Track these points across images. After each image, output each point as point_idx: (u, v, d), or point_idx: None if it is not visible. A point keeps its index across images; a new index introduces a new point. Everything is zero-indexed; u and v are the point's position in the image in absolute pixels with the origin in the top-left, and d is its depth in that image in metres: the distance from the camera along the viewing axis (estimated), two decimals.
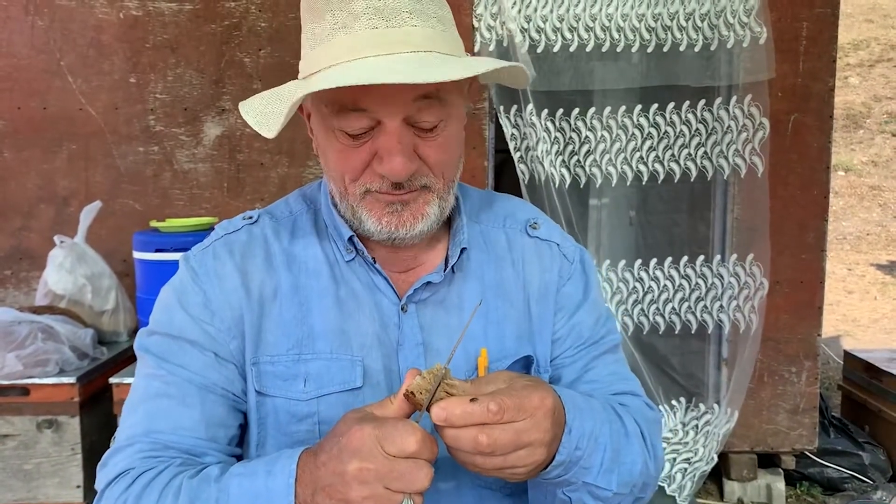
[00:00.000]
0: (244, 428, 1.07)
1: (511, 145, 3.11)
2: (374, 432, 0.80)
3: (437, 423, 0.81)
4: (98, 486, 0.98)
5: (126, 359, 2.84)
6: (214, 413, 1.01)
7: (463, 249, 1.07)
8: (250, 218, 1.11)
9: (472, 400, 0.80)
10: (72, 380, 2.53)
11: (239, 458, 1.06)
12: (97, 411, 2.67)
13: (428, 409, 0.82)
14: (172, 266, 1.11)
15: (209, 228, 2.87)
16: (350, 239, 1.04)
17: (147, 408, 1.00)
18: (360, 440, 0.80)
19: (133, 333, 3.01)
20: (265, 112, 0.96)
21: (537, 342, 1.11)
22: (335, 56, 0.91)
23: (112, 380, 2.58)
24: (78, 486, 2.55)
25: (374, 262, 1.05)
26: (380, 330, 1.05)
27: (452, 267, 1.07)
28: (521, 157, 3.14)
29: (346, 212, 1.02)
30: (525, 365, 1.10)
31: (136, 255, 2.89)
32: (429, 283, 1.06)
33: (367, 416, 0.84)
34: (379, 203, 0.98)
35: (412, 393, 0.83)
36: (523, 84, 1.09)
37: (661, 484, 3.11)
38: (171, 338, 1.02)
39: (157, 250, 2.80)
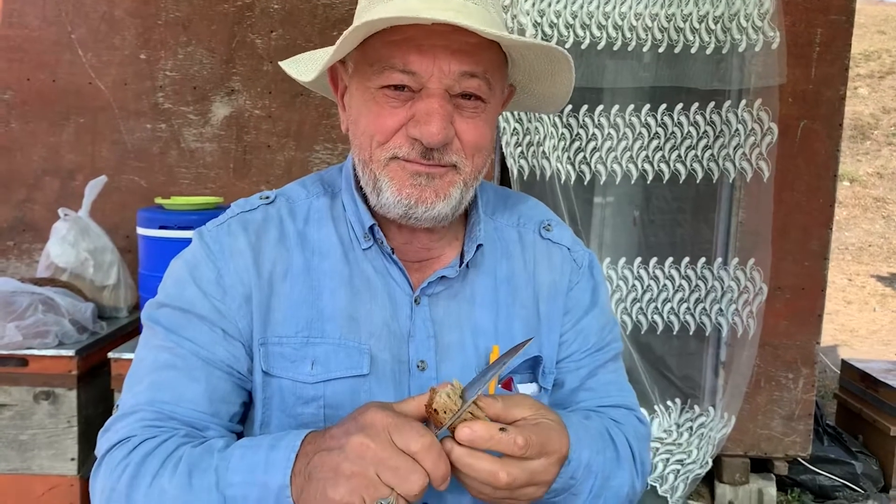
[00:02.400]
0: (248, 406, 1.07)
1: (512, 140, 3.11)
2: (387, 419, 0.80)
3: (459, 442, 0.81)
4: (98, 451, 0.98)
5: (125, 335, 2.85)
6: (218, 388, 1.00)
7: (479, 246, 1.07)
8: (267, 198, 1.10)
9: (500, 429, 0.81)
10: (70, 353, 2.53)
11: (240, 435, 1.06)
12: (94, 385, 2.67)
13: (450, 429, 0.82)
14: (176, 243, 1.11)
15: (214, 208, 2.87)
16: (371, 227, 1.04)
17: (153, 378, 1.00)
18: (373, 420, 0.80)
19: (134, 310, 3.01)
20: (305, 61, 0.98)
21: (545, 342, 1.12)
22: (392, 10, 0.91)
23: (111, 354, 2.58)
24: (73, 459, 2.56)
25: (393, 252, 1.05)
26: (390, 319, 1.05)
27: (467, 262, 1.07)
28: (521, 152, 3.14)
29: (367, 183, 1.01)
30: (532, 365, 1.10)
31: (140, 231, 2.89)
32: (443, 277, 1.06)
33: (388, 406, 0.84)
34: (404, 172, 0.97)
35: (435, 410, 0.83)
36: (555, 109, 1.10)
37: (654, 483, 3.12)
38: (181, 311, 1.02)
39: (161, 227, 2.80)
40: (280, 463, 0.84)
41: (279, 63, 1.05)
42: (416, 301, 1.06)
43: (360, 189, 1.05)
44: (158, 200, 2.96)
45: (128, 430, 0.96)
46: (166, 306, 1.03)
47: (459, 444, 0.81)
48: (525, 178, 3.14)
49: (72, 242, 2.82)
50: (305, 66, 1.03)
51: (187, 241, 1.09)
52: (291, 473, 0.83)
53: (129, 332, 2.88)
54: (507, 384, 1.08)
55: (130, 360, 2.47)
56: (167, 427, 0.97)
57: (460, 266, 1.07)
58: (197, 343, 1.00)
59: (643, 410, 3.17)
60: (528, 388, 1.09)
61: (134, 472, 0.91)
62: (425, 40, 0.90)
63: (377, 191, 0.99)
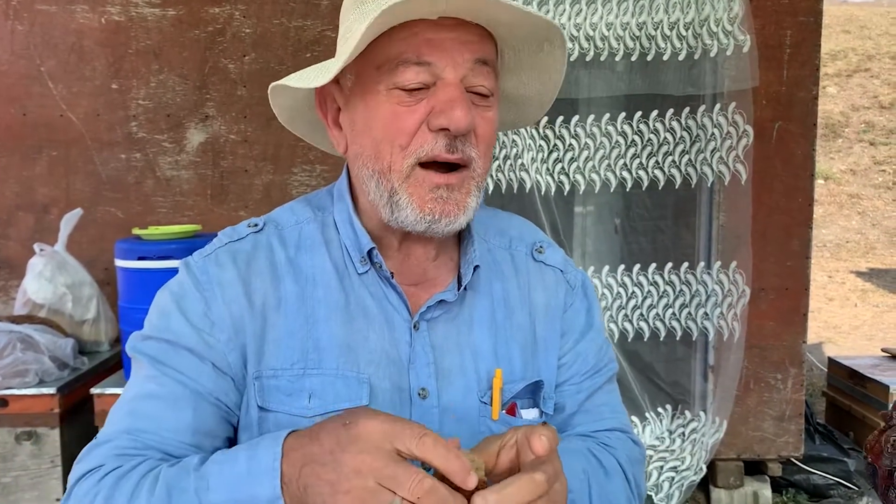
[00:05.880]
0: (231, 441, 1.03)
1: None
2: (382, 427, 0.75)
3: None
4: (70, 480, 0.93)
5: (108, 369, 2.80)
6: (204, 421, 0.96)
7: (476, 267, 1.05)
8: (255, 226, 1.06)
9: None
10: (52, 390, 2.48)
11: None
12: (78, 423, 2.62)
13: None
14: (155, 274, 1.07)
15: (193, 236, 2.84)
16: (370, 252, 1.01)
17: (133, 407, 0.96)
18: (367, 430, 0.75)
19: (115, 343, 2.96)
20: (310, 73, 0.96)
21: (543, 366, 1.10)
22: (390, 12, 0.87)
23: (93, 390, 2.54)
24: (57, 500, 2.50)
25: (392, 276, 1.02)
26: (389, 347, 1.01)
27: (465, 285, 1.05)
28: (498, 165, 3.13)
29: (381, 197, 0.97)
30: (533, 390, 1.08)
31: (118, 263, 2.84)
32: (441, 301, 1.04)
33: (378, 413, 0.79)
34: (423, 186, 0.94)
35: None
36: (530, 122, 1.12)
37: (649, 493, 3.10)
38: (167, 342, 0.98)
39: (140, 258, 2.75)
40: (265, 474, 0.79)
41: (271, 85, 1.02)
42: (415, 326, 1.03)
43: (356, 211, 1.03)
44: (136, 231, 2.92)
45: (99, 459, 0.91)
46: (151, 338, 0.99)
47: None
48: (503, 191, 3.14)
49: (49, 278, 2.78)
50: (314, 71, 0.99)
51: (167, 272, 1.06)
52: (281, 483, 0.78)
53: (112, 366, 2.83)
54: (511, 410, 1.06)
55: (114, 395, 2.44)
56: (141, 456, 0.91)
57: (458, 289, 1.05)
58: (184, 373, 0.96)
59: (634, 418, 3.18)
60: (529, 414, 1.07)
61: (107, 497, 0.86)
62: (434, 34, 0.90)
63: (393, 206, 0.96)
